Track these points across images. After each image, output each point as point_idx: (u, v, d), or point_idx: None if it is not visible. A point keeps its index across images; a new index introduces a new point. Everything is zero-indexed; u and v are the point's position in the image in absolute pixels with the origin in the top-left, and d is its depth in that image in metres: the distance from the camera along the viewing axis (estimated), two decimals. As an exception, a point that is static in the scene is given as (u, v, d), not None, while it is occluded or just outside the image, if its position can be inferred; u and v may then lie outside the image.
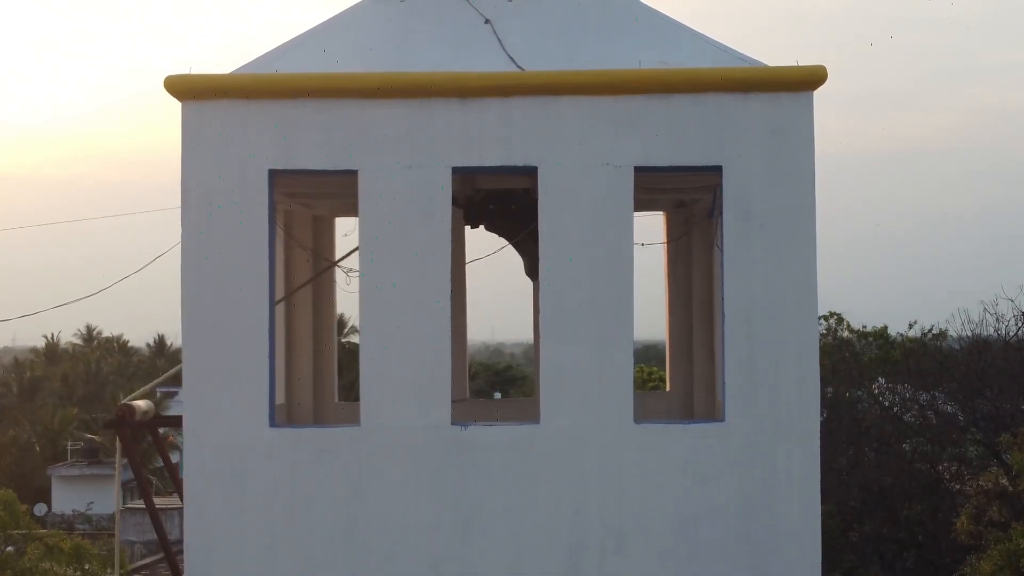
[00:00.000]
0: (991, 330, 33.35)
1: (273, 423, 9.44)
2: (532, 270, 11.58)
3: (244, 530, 9.37)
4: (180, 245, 9.43)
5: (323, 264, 12.26)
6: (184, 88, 9.40)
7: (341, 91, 9.39)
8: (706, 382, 11.84)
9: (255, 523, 9.38)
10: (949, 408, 32.79)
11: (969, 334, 33.72)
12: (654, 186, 10.61)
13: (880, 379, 34.36)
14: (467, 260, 12.43)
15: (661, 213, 12.56)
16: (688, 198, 11.90)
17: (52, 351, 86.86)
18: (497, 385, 69.44)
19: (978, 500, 27.66)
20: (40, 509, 56.19)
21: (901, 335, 36.43)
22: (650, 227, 12.56)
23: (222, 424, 9.38)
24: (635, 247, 9.66)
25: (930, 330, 36.06)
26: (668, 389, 12.60)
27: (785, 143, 9.39)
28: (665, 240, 12.42)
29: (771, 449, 9.40)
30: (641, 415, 9.54)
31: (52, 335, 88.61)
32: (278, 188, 10.71)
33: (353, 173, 9.43)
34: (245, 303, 9.39)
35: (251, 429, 9.38)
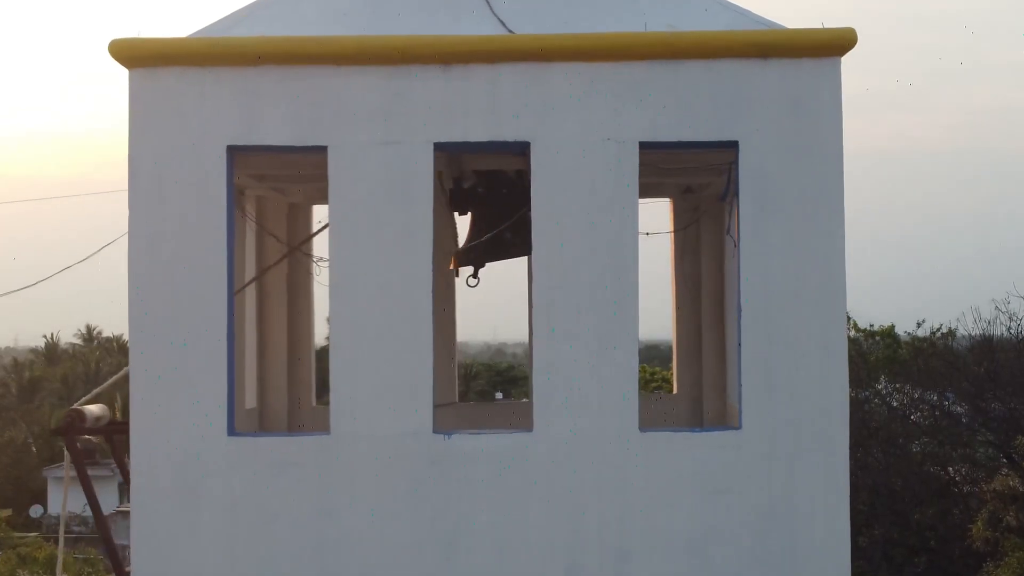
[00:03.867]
0: (1003, 329, 33.19)
1: (232, 431, 8.60)
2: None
3: (199, 551, 8.52)
4: (128, 230, 8.57)
5: (297, 256, 11.40)
6: (132, 54, 8.56)
7: (309, 57, 8.56)
8: (717, 384, 11.16)
9: (212, 543, 8.53)
10: (959, 409, 32.56)
11: (979, 333, 33.60)
12: (659, 166, 9.82)
13: (883, 379, 33.98)
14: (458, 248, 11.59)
15: (667, 200, 11.84)
16: (697, 182, 11.17)
17: (52, 351, 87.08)
18: (499, 385, 69.89)
19: (994, 505, 27.28)
20: (36, 511, 56.18)
21: (909, 334, 36.42)
22: (654, 215, 11.84)
23: (174, 432, 8.52)
24: (639, 235, 8.85)
25: (938, 329, 36.04)
26: (675, 392, 11.93)
27: (809, 115, 8.60)
28: (671, 229, 11.70)
29: (793, 459, 8.64)
30: (646, 421, 8.76)
31: (52, 335, 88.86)
32: (245, 170, 9.94)
33: (322, 150, 8.62)
34: (201, 296, 8.57)
35: (207, 438, 8.53)
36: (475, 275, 11.13)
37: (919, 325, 36.83)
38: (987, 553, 26.88)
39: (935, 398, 33.11)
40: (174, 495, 8.51)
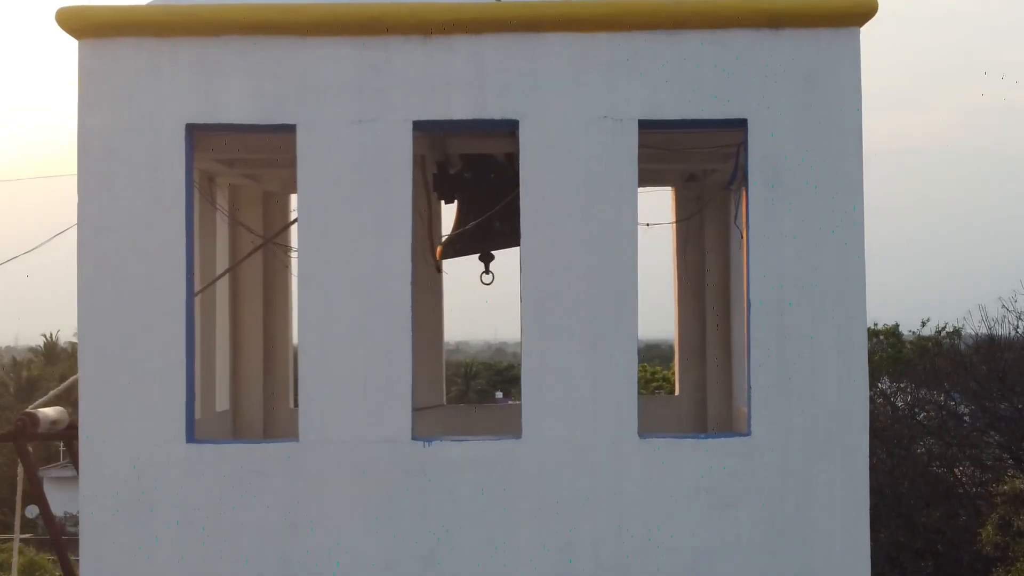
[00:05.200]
0: (1011, 328, 33.19)
1: (191, 437, 7.91)
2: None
3: (153, 568, 7.85)
4: (76, 217, 7.91)
5: (273, 249, 10.77)
6: (81, 23, 7.89)
7: (275, 27, 7.89)
8: (722, 386, 10.70)
9: (167, 559, 7.86)
10: (963, 409, 32.43)
11: (986, 331, 33.64)
12: (660, 149, 9.20)
13: (885, 378, 33.80)
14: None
15: (668, 188, 11.32)
16: (701, 168, 10.62)
17: (51, 350, 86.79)
18: (499, 385, 70.26)
19: (1004, 509, 26.97)
20: (32, 512, 55.64)
21: (913, 333, 36.33)
22: (655, 204, 11.44)
23: (126, 438, 7.85)
24: (639, 225, 8.23)
25: (943, 328, 36.04)
26: (676, 393, 11.41)
27: (825, 91, 7.95)
28: (673, 219, 11.15)
29: (807, 469, 7.99)
30: (645, 426, 8.13)
31: (51, 334, 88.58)
32: (212, 153, 9.34)
33: (290, 129, 7.95)
34: (157, 289, 7.90)
35: (163, 445, 7.85)
36: (487, 271, 10.45)
37: (924, 324, 36.94)
38: (997, 558, 26.58)
39: (941, 398, 33.02)
40: (126, 506, 7.84)
